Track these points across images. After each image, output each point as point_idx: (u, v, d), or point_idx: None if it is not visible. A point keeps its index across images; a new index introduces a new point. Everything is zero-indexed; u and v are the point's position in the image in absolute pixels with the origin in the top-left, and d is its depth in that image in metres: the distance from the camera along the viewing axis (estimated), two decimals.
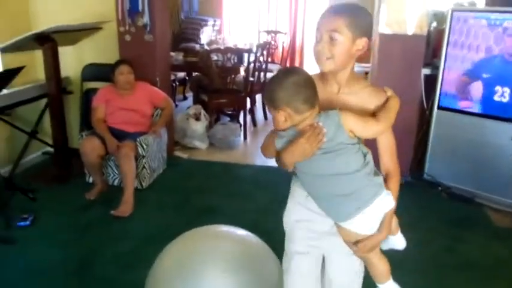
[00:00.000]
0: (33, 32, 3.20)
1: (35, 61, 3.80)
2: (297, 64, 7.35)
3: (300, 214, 1.51)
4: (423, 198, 3.50)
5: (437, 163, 3.66)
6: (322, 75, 1.40)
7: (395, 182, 1.42)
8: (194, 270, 1.57)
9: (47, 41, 3.39)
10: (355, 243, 1.37)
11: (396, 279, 1.53)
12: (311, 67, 7.40)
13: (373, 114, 1.35)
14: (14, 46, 3.23)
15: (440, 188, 3.59)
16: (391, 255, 1.54)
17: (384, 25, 3.53)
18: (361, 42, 1.31)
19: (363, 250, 1.36)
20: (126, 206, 3.10)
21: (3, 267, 2.51)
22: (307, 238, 1.51)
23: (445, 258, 2.71)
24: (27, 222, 2.94)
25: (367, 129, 1.32)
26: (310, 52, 7.15)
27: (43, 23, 3.58)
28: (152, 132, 3.51)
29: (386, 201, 1.35)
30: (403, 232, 1.59)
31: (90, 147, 3.25)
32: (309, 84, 1.27)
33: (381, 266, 1.46)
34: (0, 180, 3.02)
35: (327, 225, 1.45)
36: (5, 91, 3.27)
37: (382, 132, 1.36)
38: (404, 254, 2.66)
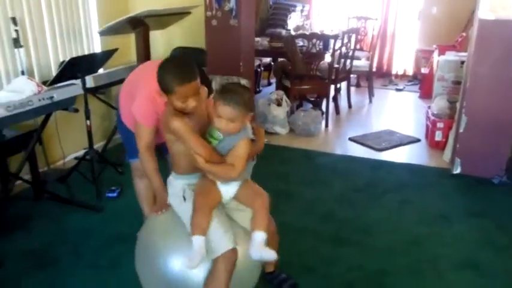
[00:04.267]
0: (127, 16, 3.38)
1: (129, 44, 4.04)
2: (387, 52, 7.04)
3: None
4: None
5: None
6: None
7: None
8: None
9: (140, 25, 3.57)
10: None
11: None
12: (401, 54, 7.04)
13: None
14: (110, 30, 3.45)
15: None
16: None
17: (486, 10, 3.22)
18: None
19: None
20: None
21: (90, 232, 2.74)
22: None
23: None
24: (115, 194, 3.17)
25: None
26: (401, 39, 6.83)
27: (139, 9, 3.78)
28: None
29: None
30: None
31: None
32: None
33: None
34: (94, 154, 3.27)
35: None
36: (101, 71, 3.52)
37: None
38: (495, 258, 2.47)
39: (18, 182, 3.00)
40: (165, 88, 1.72)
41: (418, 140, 4.37)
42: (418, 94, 6.15)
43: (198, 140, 1.74)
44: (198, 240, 1.71)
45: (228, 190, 1.85)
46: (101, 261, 2.47)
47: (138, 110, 2.06)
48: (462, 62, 4.33)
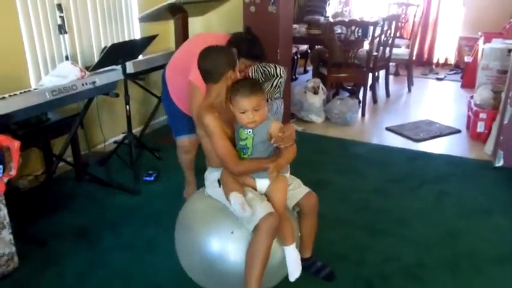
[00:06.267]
0: (167, 2, 3.42)
1: (169, 31, 4.08)
2: (428, 40, 6.82)
3: None
4: None
5: None
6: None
7: None
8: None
9: (179, 12, 3.61)
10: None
11: None
12: (443, 42, 6.81)
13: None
14: (150, 16, 3.51)
15: None
16: None
17: None
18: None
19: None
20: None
21: (128, 214, 2.83)
22: None
23: None
24: (152, 178, 3.24)
25: None
26: (444, 27, 6.60)
27: None
28: None
29: None
30: None
31: None
32: None
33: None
34: (132, 138, 3.35)
35: None
36: (140, 57, 3.58)
37: None
38: None
39: (61, 163, 3.11)
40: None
41: (459, 131, 4.24)
42: (459, 84, 5.94)
43: (223, 142, 1.85)
44: (235, 196, 1.80)
45: (260, 182, 1.92)
46: (138, 241, 2.55)
47: (195, 74, 2.11)
48: (509, 50, 4.15)
